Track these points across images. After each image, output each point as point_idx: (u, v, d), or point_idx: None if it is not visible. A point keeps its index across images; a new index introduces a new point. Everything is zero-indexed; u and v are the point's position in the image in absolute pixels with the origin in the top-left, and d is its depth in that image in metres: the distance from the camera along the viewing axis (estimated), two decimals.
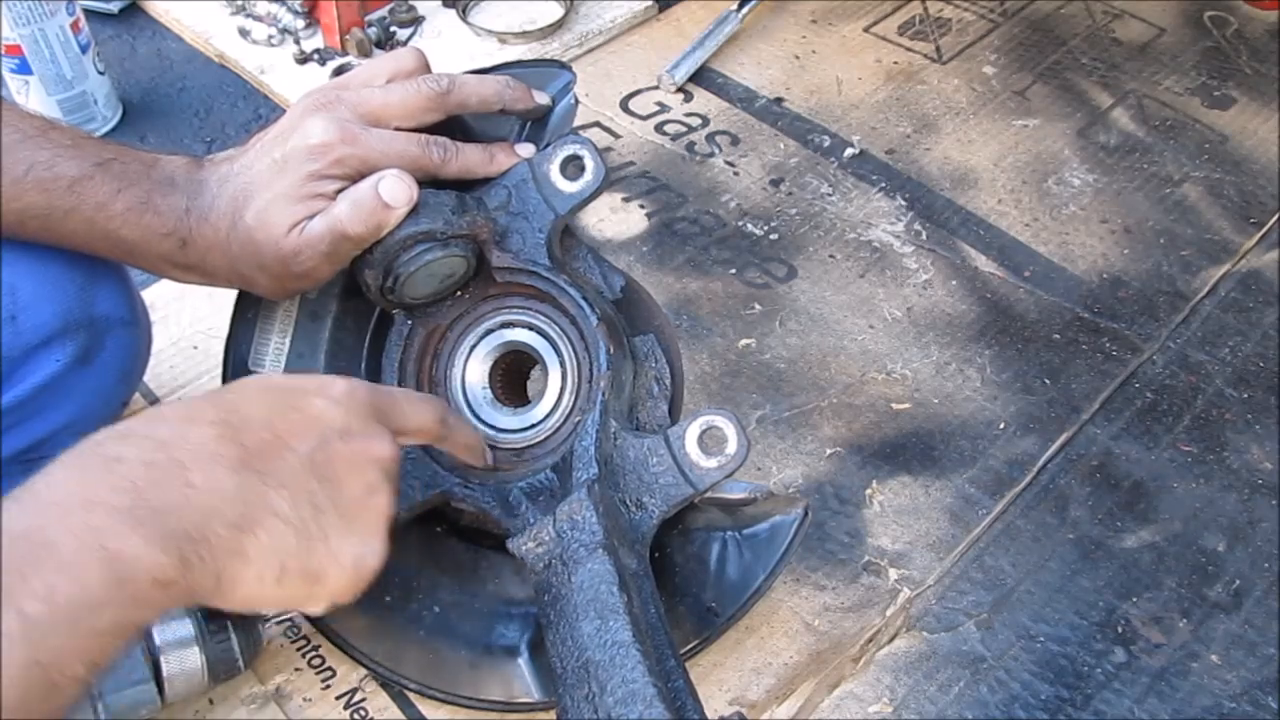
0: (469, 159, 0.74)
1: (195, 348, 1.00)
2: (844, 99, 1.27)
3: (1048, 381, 0.99)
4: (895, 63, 1.32)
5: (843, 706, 0.78)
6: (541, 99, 0.77)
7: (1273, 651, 0.81)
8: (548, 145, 0.75)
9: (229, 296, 1.03)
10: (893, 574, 0.85)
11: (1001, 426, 0.95)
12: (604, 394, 0.71)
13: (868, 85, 1.29)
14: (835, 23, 1.38)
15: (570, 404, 0.76)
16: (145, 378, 0.94)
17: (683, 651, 0.71)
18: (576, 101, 0.78)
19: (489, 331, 0.79)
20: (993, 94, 1.28)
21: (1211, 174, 1.18)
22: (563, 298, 0.74)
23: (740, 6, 1.34)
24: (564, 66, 0.80)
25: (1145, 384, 0.99)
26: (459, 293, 0.77)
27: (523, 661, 0.74)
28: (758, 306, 1.04)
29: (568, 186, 0.74)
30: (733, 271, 1.07)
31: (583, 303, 0.73)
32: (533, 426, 0.77)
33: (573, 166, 0.74)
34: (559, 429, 0.76)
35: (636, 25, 1.38)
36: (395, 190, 0.68)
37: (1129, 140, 1.22)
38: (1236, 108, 1.26)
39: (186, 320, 1.02)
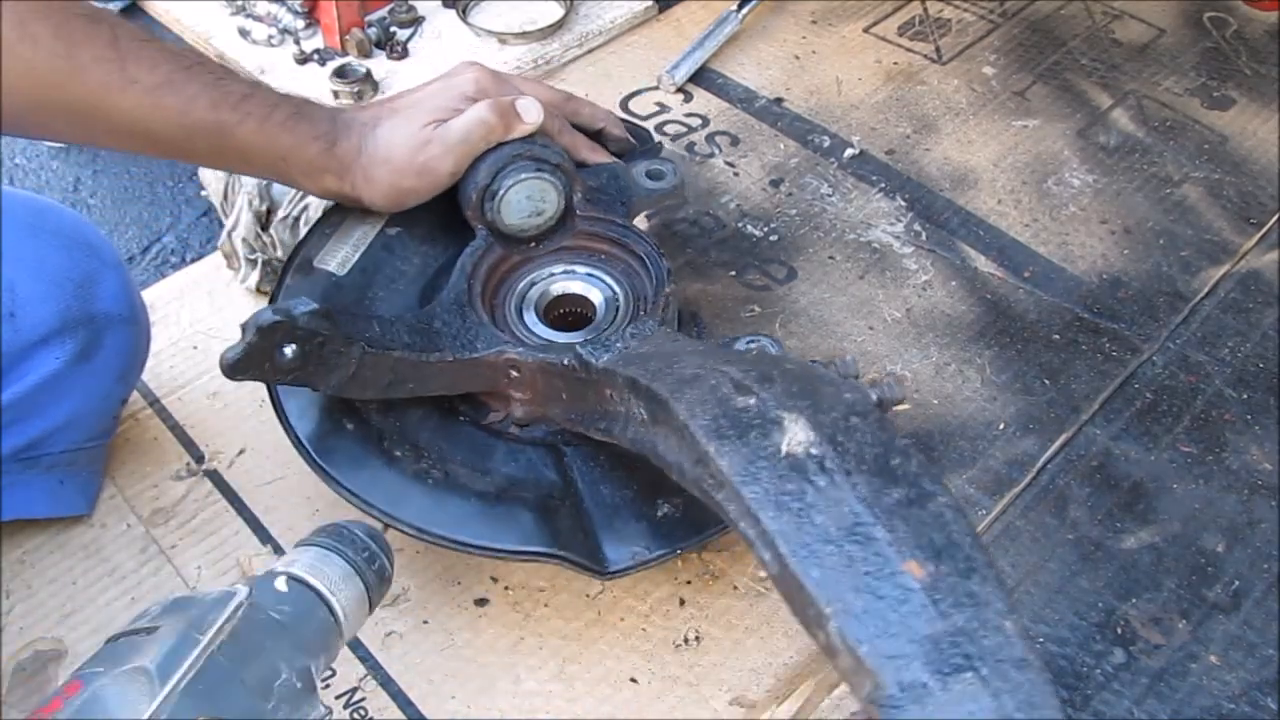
0: (577, 138, 0.91)
1: (195, 348, 1.00)
2: (844, 99, 1.27)
3: (1047, 382, 0.99)
4: (895, 63, 1.32)
5: (843, 706, 0.78)
6: (627, 139, 0.96)
7: (1272, 652, 0.81)
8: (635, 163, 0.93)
9: (228, 298, 1.04)
10: None
11: (1001, 427, 0.95)
12: (666, 298, 0.82)
13: (868, 86, 1.29)
14: (835, 23, 1.38)
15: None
16: (145, 377, 0.94)
17: None
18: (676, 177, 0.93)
19: (553, 275, 0.87)
20: (992, 94, 1.28)
21: (1211, 174, 1.18)
22: (637, 245, 0.86)
23: (740, 7, 1.34)
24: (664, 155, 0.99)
25: (1145, 384, 0.99)
26: (534, 243, 0.86)
27: (530, 517, 0.75)
28: (757, 308, 1.04)
29: (649, 185, 0.91)
30: (732, 273, 1.07)
31: (653, 247, 0.85)
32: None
33: (655, 175, 0.91)
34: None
35: (636, 25, 1.38)
36: (530, 107, 0.83)
37: (1129, 141, 1.22)
38: (1236, 108, 1.26)
39: (186, 321, 1.02)
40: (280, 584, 0.60)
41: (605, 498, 0.77)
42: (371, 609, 0.66)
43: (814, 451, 0.54)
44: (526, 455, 0.80)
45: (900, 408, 0.96)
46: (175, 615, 0.55)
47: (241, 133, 0.75)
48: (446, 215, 0.86)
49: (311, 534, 0.66)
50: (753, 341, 0.78)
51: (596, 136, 0.95)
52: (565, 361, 0.74)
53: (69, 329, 0.78)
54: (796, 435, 0.55)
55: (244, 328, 0.68)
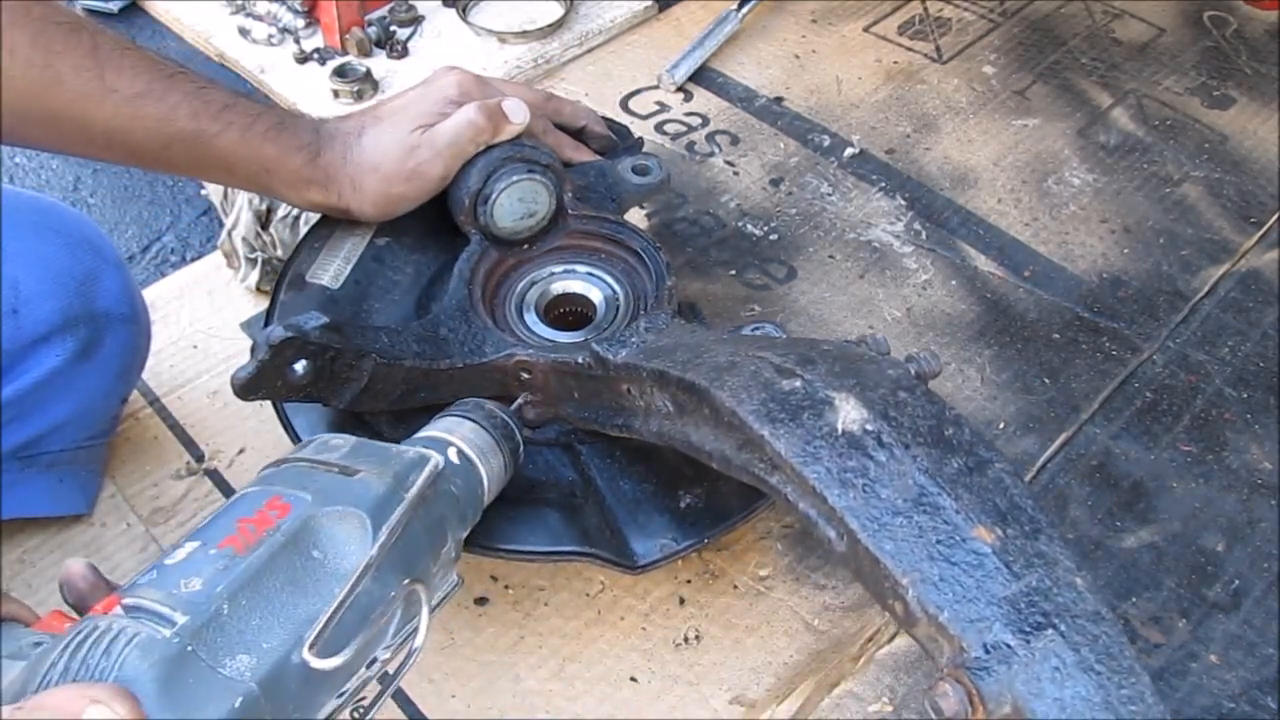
0: (561, 138, 0.92)
1: (195, 347, 1.00)
2: (844, 98, 1.27)
3: (1047, 381, 0.99)
4: (895, 62, 1.32)
5: (842, 705, 0.78)
6: (610, 136, 0.95)
7: (1271, 651, 0.81)
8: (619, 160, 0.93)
9: (228, 297, 1.04)
10: None
11: (1001, 426, 0.95)
12: (670, 292, 0.82)
13: (868, 85, 1.29)
14: (835, 22, 1.38)
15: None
16: (145, 376, 0.94)
17: None
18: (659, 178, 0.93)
19: (553, 275, 0.87)
20: (993, 94, 1.28)
21: (1211, 174, 1.18)
22: (632, 241, 0.86)
23: (740, 6, 1.34)
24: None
25: (1145, 384, 0.99)
26: (527, 245, 0.86)
27: (556, 516, 0.76)
28: (757, 307, 1.04)
29: (636, 180, 0.91)
30: (732, 273, 1.07)
31: (649, 242, 0.85)
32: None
33: (640, 170, 0.91)
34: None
35: (636, 25, 1.38)
36: (516, 108, 0.82)
37: (1129, 140, 1.22)
38: (1236, 108, 1.26)
39: (186, 320, 1.02)
40: (454, 455, 0.63)
41: (626, 493, 0.77)
42: (502, 484, 0.69)
43: (870, 428, 0.55)
44: (543, 456, 0.80)
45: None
46: (372, 463, 0.57)
47: (222, 143, 0.75)
48: (434, 222, 0.85)
49: (454, 406, 0.69)
50: (757, 329, 0.78)
51: (578, 135, 0.94)
52: (580, 360, 0.74)
53: (70, 326, 0.78)
54: (850, 413, 0.56)
55: (254, 346, 0.68)
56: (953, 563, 0.50)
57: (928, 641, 0.50)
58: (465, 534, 0.64)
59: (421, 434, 0.67)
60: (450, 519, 0.61)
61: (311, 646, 0.48)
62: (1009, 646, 0.47)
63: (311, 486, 0.55)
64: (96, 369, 0.81)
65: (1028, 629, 0.47)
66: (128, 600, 0.47)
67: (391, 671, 0.54)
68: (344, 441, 0.59)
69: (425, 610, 0.54)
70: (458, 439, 0.65)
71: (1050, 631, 0.47)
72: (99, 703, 0.41)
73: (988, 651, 0.47)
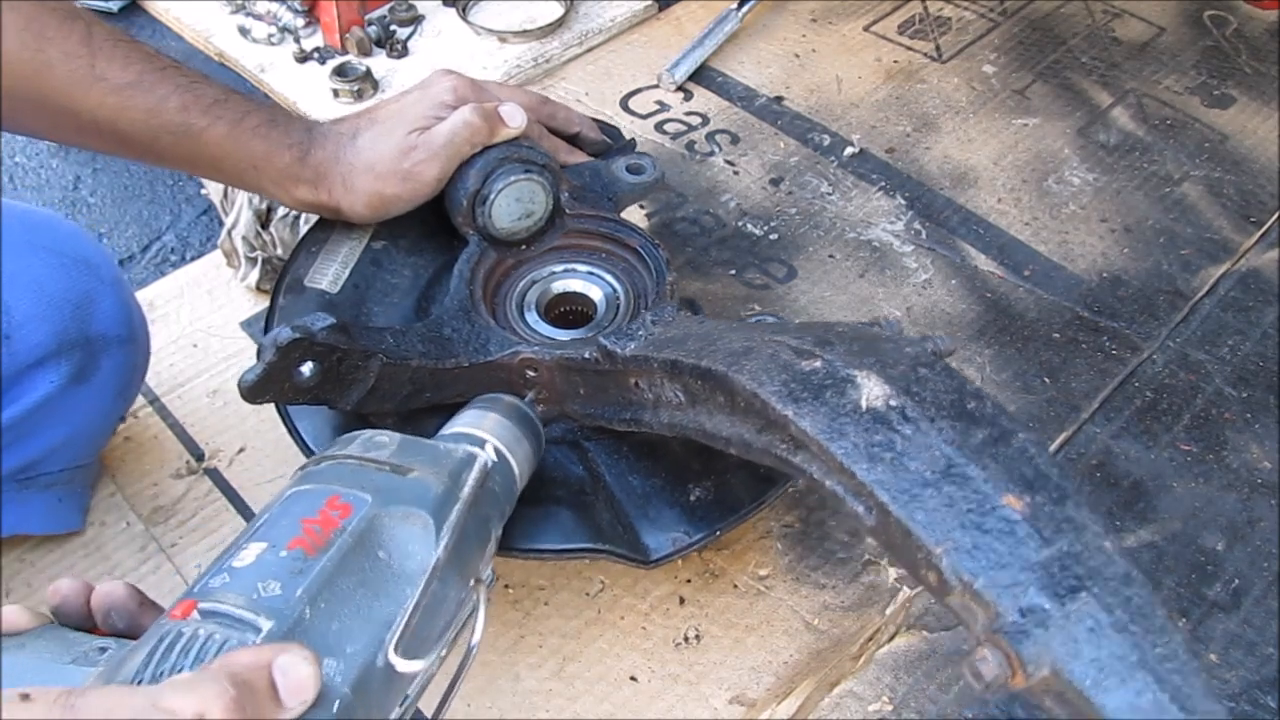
0: (556, 143, 0.92)
1: (195, 345, 1.00)
2: (844, 98, 1.27)
3: (1047, 380, 0.99)
4: (895, 61, 1.32)
5: (843, 705, 0.78)
6: (604, 140, 0.96)
7: (1271, 651, 0.81)
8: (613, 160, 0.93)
9: (228, 295, 1.04)
10: (892, 572, 0.85)
11: None
12: (671, 287, 0.82)
13: (867, 84, 1.29)
14: (835, 21, 1.38)
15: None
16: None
17: None
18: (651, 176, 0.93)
19: (553, 274, 0.87)
20: (992, 93, 1.28)
21: (1211, 173, 1.18)
22: (630, 238, 0.87)
23: (740, 5, 1.34)
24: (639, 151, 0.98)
25: (1145, 383, 0.99)
26: (525, 245, 0.87)
27: (568, 514, 0.76)
28: (757, 307, 1.04)
29: (631, 179, 0.91)
30: (732, 272, 1.07)
31: (648, 240, 0.86)
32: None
33: (635, 169, 0.91)
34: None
35: (636, 24, 1.38)
36: (513, 112, 0.83)
37: (1129, 139, 1.22)
38: (1236, 107, 1.26)
39: (186, 318, 1.02)
40: (491, 452, 0.64)
41: (635, 488, 0.77)
42: (528, 478, 0.69)
43: (893, 403, 0.56)
44: (550, 454, 0.79)
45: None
46: (423, 462, 0.58)
47: (210, 137, 0.75)
48: (431, 225, 0.85)
49: (474, 402, 0.70)
50: (758, 320, 0.79)
51: (573, 139, 0.94)
52: (587, 355, 0.74)
53: (65, 351, 0.76)
54: (872, 390, 0.57)
55: (261, 349, 0.68)
56: (984, 530, 0.50)
57: (962, 610, 0.50)
58: (501, 529, 0.64)
59: (452, 429, 0.67)
60: (494, 517, 0.62)
61: (395, 649, 0.48)
62: (1045, 610, 0.47)
63: (369, 486, 0.54)
64: (93, 392, 0.79)
65: (1061, 592, 0.48)
66: (204, 605, 0.46)
67: (453, 670, 0.54)
68: (390, 439, 0.59)
69: (482, 607, 0.55)
70: (491, 435, 0.65)
71: (1084, 594, 0.47)
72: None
73: (1023, 615, 0.47)
